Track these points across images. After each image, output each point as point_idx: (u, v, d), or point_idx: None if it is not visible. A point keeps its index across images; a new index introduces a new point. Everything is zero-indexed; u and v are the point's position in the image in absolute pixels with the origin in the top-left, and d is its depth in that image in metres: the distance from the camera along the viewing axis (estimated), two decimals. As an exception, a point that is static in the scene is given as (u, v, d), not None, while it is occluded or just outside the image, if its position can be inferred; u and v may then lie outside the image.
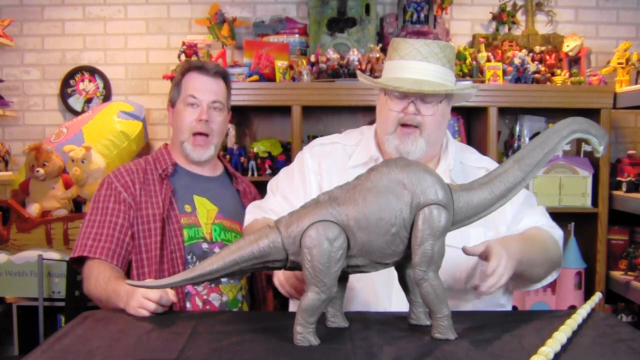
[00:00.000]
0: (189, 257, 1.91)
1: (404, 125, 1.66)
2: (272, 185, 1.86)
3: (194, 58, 3.06)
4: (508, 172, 1.35)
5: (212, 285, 1.90)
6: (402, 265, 1.35)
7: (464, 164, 1.78)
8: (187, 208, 1.97)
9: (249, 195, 2.13)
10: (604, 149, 1.42)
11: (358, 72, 1.81)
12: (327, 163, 1.79)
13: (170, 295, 1.57)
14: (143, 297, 1.55)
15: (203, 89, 1.99)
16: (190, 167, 2.05)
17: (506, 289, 1.71)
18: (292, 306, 1.81)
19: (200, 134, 1.98)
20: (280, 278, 1.56)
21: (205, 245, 1.95)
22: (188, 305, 1.88)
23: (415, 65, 1.64)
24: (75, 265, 1.96)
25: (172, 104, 2.05)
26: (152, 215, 1.92)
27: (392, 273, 1.62)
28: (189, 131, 1.98)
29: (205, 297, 1.90)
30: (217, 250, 1.93)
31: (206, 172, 2.07)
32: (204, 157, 2.02)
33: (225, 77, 2.05)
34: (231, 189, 2.12)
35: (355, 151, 1.80)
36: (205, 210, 1.99)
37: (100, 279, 1.79)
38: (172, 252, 1.89)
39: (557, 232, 1.74)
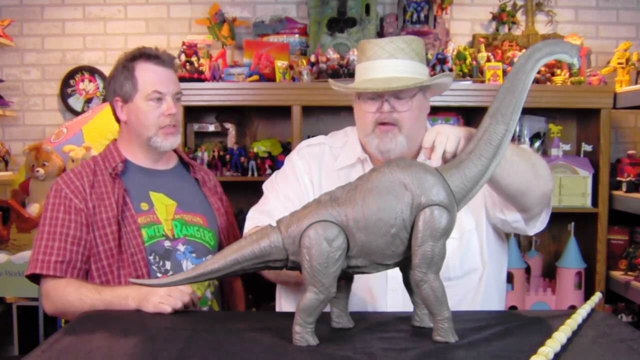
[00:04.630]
0: (150, 257, 1.83)
1: (381, 124, 1.66)
2: (268, 187, 1.84)
3: (194, 58, 3.06)
4: (489, 130, 1.30)
5: None
6: (406, 266, 1.34)
7: None
8: (144, 206, 1.88)
9: (208, 184, 2.05)
10: (577, 59, 1.35)
11: (330, 80, 1.79)
12: (316, 164, 1.80)
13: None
14: (169, 295, 1.54)
15: (165, 81, 1.89)
16: (142, 162, 1.94)
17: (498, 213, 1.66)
18: (278, 306, 1.82)
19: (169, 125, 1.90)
20: None
21: (167, 243, 1.86)
22: None
23: (383, 63, 1.64)
24: (33, 281, 1.83)
25: (125, 98, 1.89)
26: (107, 220, 1.81)
27: (387, 274, 1.63)
28: (157, 126, 1.88)
29: None
30: (180, 247, 1.87)
31: (160, 166, 1.97)
32: (175, 145, 1.94)
33: (174, 64, 1.96)
34: (189, 180, 2.02)
35: (341, 153, 1.80)
36: (163, 206, 1.90)
37: (85, 291, 1.71)
38: (132, 255, 1.80)
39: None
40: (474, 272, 1.70)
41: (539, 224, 1.68)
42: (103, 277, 1.81)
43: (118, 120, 1.97)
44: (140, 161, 1.95)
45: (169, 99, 1.88)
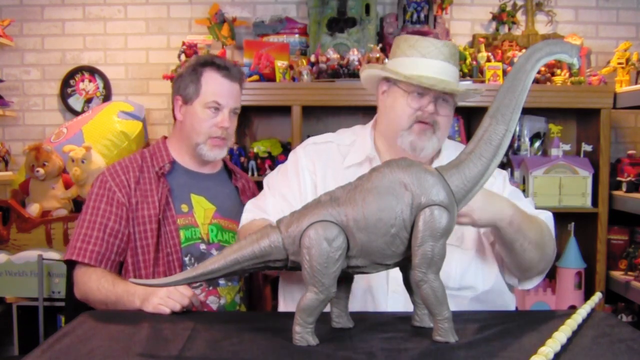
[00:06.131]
0: (186, 258, 1.87)
1: (421, 122, 1.66)
2: (268, 182, 1.84)
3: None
4: (489, 130, 1.30)
5: (210, 287, 1.88)
6: (406, 266, 1.34)
7: None
8: (184, 208, 1.92)
9: (247, 192, 2.08)
10: (577, 59, 1.35)
11: (374, 65, 1.74)
12: (321, 162, 1.78)
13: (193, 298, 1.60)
14: (168, 297, 1.56)
15: (227, 94, 1.93)
16: (188, 165, 1.99)
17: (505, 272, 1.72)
18: (279, 306, 1.82)
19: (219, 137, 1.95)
20: None
21: (202, 246, 1.91)
22: None
23: (439, 64, 1.64)
24: (69, 266, 1.93)
25: (186, 99, 1.95)
26: (148, 217, 1.87)
27: (388, 275, 1.63)
28: (207, 135, 1.92)
29: (202, 299, 1.87)
30: (214, 251, 1.90)
31: (206, 170, 2.02)
32: (219, 157, 1.99)
33: (242, 80, 2.01)
34: (229, 186, 2.06)
35: (350, 151, 1.79)
36: (202, 210, 1.95)
37: (104, 281, 1.77)
38: (168, 255, 1.85)
39: (544, 215, 1.74)
40: (469, 289, 1.69)
41: (530, 283, 1.75)
42: (137, 272, 1.86)
43: (175, 118, 2.02)
44: (186, 163, 2.00)
45: (226, 112, 1.93)
